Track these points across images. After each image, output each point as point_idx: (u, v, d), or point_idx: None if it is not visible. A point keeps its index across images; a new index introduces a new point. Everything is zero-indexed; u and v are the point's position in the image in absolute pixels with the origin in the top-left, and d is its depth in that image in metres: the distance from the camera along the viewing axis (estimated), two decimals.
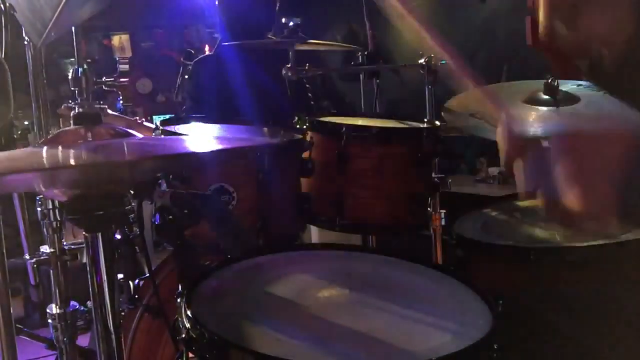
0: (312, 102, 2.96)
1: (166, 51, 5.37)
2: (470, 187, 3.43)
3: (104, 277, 1.11)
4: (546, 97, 1.70)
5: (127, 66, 1.53)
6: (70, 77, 1.20)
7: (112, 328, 1.12)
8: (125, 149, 1.07)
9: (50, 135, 1.15)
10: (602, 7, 0.74)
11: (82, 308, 1.79)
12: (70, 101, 1.20)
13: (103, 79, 1.37)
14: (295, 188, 1.85)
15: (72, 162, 0.99)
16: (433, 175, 1.82)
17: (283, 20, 2.31)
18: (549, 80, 1.69)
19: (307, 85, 2.96)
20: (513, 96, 1.76)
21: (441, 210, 1.81)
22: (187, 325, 1.12)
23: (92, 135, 1.12)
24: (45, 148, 1.08)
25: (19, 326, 1.93)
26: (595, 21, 0.74)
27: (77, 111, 1.17)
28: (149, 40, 5.40)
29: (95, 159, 0.99)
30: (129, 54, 4.93)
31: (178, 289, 1.28)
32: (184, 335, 1.12)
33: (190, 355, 1.16)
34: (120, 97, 2.49)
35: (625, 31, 0.73)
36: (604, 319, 1.43)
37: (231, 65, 2.87)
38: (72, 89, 1.21)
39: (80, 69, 1.20)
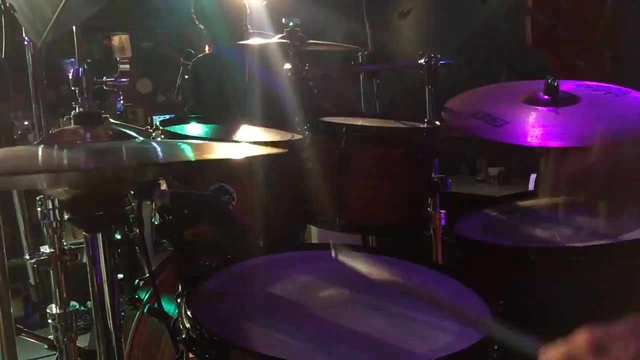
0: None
1: (166, 51, 5.37)
2: (470, 187, 3.43)
3: (104, 277, 1.11)
4: (546, 97, 1.70)
5: (127, 66, 1.52)
6: (70, 77, 1.21)
7: (112, 328, 1.12)
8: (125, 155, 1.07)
9: (50, 134, 1.15)
10: None
11: (82, 308, 1.79)
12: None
13: (104, 79, 1.37)
14: (295, 188, 1.84)
15: (74, 165, 0.99)
16: (433, 175, 1.82)
17: (283, 20, 2.32)
18: (549, 80, 1.69)
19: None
20: (513, 96, 1.76)
21: (441, 210, 1.81)
22: (187, 325, 1.12)
23: (91, 136, 1.12)
24: (46, 147, 1.08)
25: (19, 326, 1.93)
26: None
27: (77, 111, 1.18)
28: (149, 40, 5.40)
29: (98, 164, 0.98)
30: (129, 54, 4.92)
31: (178, 289, 1.28)
32: (184, 336, 1.12)
33: (190, 355, 1.16)
34: (121, 97, 2.48)
35: None
36: (605, 319, 1.42)
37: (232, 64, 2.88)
38: (73, 88, 1.21)
39: (80, 69, 1.20)
